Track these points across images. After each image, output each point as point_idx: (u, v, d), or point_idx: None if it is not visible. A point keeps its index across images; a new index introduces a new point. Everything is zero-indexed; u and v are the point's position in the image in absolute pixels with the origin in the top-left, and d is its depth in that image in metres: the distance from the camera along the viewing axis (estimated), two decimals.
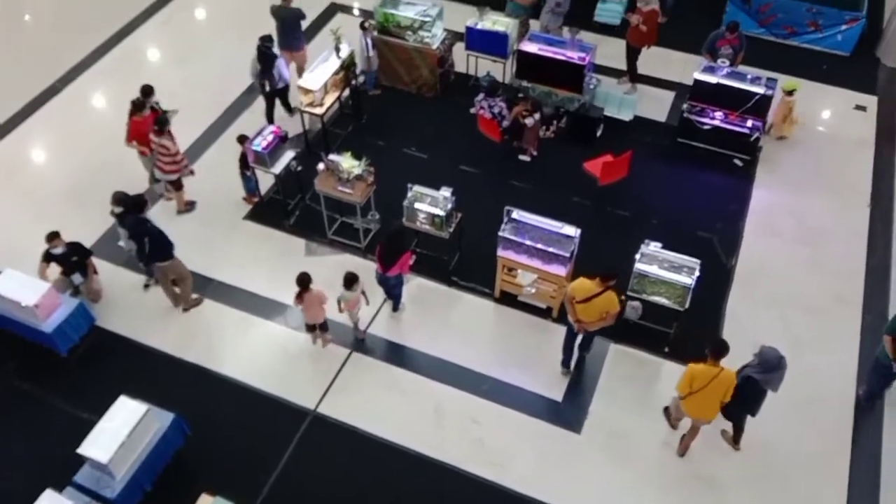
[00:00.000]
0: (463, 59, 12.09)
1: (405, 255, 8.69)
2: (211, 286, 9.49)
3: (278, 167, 9.79)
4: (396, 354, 8.93)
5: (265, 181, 10.34)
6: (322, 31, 12.95)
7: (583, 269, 8.42)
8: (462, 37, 11.82)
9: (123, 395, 7.55)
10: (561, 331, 8.49)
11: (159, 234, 8.65)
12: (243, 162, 9.92)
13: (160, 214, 9.83)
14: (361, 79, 11.59)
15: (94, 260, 9.18)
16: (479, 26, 11.54)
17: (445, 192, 9.12)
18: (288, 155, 9.90)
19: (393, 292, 9.03)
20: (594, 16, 13.10)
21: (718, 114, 10.83)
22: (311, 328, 8.74)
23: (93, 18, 13.50)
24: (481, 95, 11.01)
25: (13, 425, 8.31)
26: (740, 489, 7.81)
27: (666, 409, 8.24)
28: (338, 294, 8.46)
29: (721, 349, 7.13)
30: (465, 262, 9.71)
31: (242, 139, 9.78)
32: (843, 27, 12.59)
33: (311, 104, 10.68)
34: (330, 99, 10.85)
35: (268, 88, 10.91)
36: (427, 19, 11.40)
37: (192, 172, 10.28)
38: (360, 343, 8.98)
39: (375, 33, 11.58)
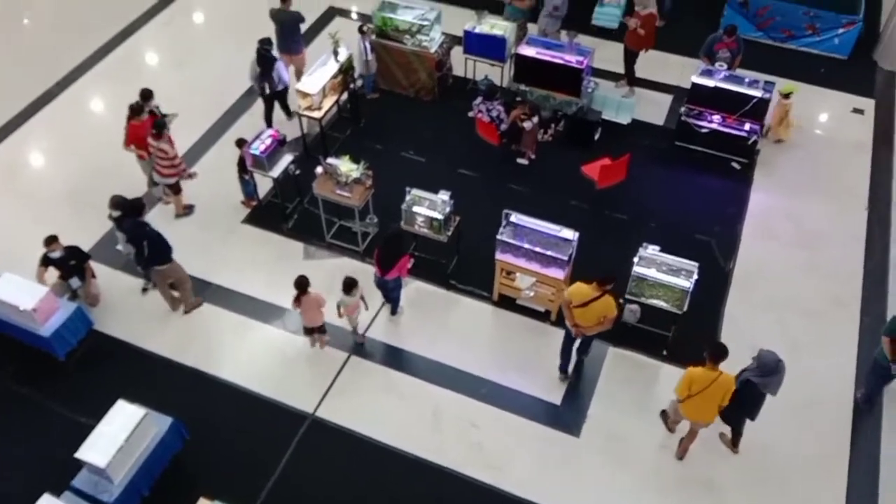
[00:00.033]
0: (461, 63, 12.11)
1: (403, 259, 8.68)
2: (209, 290, 9.49)
3: (277, 171, 9.79)
4: (395, 358, 8.92)
5: (263, 185, 10.34)
6: (320, 34, 12.96)
7: (581, 273, 8.43)
8: (460, 40, 11.83)
9: (121, 399, 7.55)
10: (559, 334, 8.49)
11: (158, 238, 8.65)
12: (242, 165, 9.92)
13: (158, 218, 9.83)
14: (360, 82, 11.60)
15: (93, 264, 9.17)
16: (477, 30, 11.55)
17: (444, 195, 9.13)
18: (286, 158, 9.91)
19: (391, 296, 9.03)
20: (592, 19, 13.13)
21: (716, 117, 10.85)
22: (309, 331, 8.74)
23: (92, 21, 13.50)
24: (479, 99, 11.02)
25: (11, 429, 8.30)
26: (739, 492, 7.81)
27: (663, 413, 8.24)
28: (336, 298, 8.46)
29: (720, 353, 7.13)
30: (464, 265, 9.72)
31: (241, 143, 9.79)
32: (841, 30, 12.62)
33: (309, 108, 10.69)
34: (328, 103, 10.86)
35: (267, 91, 10.92)
36: (425, 23, 11.42)
37: (190, 176, 10.30)
38: (358, 347, 8.98)
39: (374, 37, 11.60)
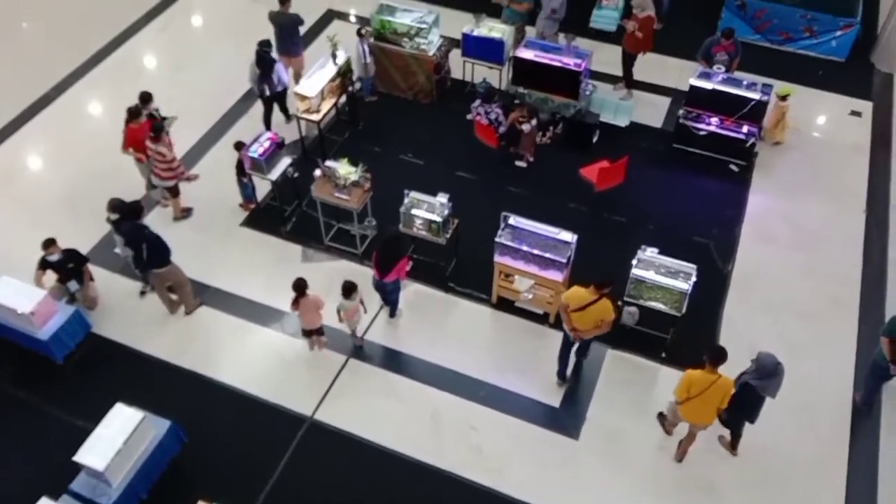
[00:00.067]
0: (459, 66, 12.11)
1: (402, 261, 8.68)
2: (207, 293, 9.48)
3: (275, 174, 9.79)
4: (393, 361, 8.91)
5: (262, 187, 10.33)
6: (319, 37, 12.96)
7: (579, 275, 8.43)
8: (458, 43, 11.84)
9: (119, 402, 7.53)
10: (558, 336, 8.48)
11: (157, 240, 8.64)
12: (240, 168, 9.92)
13: (156, 221, 9.81)
14: (358, 85, 11.60)
15: (91, 267, 9.16)
16: (475, 33, 11.57)
17: (442, 198, 9.13)
18: (284, 161, 9.91)
19: (390, 298, 9.02)
20: (590, 22, 13.16)
21: (714, 120, 10.86)
22: (307, 334, 8.73)
23: (89, 25, 13.49)
24: (478, 102, 11.02)
25: (9, 433, 8.28)
26: (738, 494, 7.80)
27: (660, 415, 8.24)
28: (334, 300, 8.45)
29: (719, 356, 7.12)
30: (462, 268, 9.71)
31: (239, 145, 9.78)
32: (838, 33, 12.65)
33: (307, 111, 10.69)
34: (326, 105, 10.86)
35: (267, 93, 10.92)
36: (423, 26, 11.43)
37: (189, 179, 10.31)
38: (357, 349, 8.97)
39: (372, 40, 11.61)
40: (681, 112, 11.02)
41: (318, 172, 9.60)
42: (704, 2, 13.57)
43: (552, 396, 8.55)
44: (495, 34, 11.54)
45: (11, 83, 12.36)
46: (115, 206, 8.84)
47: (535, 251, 8.65)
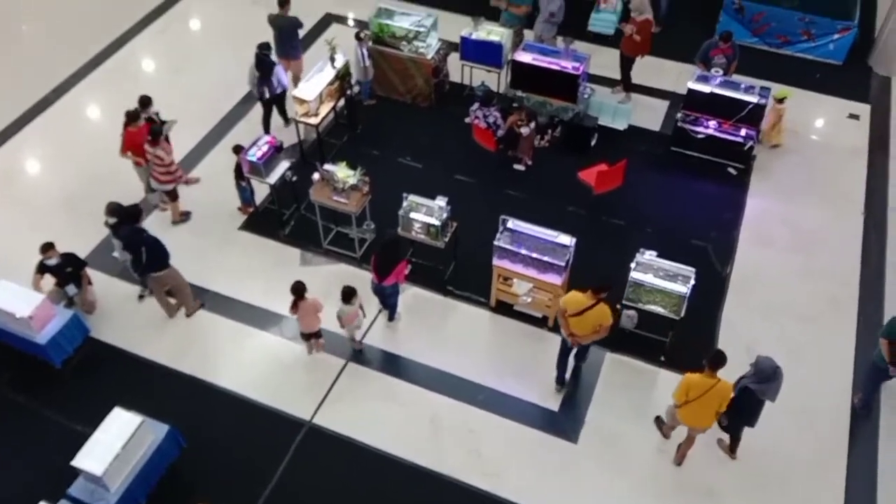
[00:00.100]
0: (458, 69, 12.12)
1: (401, 265, 8.68)
2: (206, 297, 9.46)
3: (273, 177, 9.79)
4: (392, 364, 8.91)
5: (260, 191, 10.33)
6: (317, 41, 12.96)
7: (578, 278, 8.44)
8: (457, 47, 11.85)
9: (118, 406, 7.52)
10: (557, 340, 8.47)
11: (155, 244, 8.64)
12: (238, 172, 9.92)
13: (154, 225, 9.81)
14: (356, 89, 11.61)
15: (89, 271, 9.15)
16: (473, 36, 11.58)
17: (441, 201, 9.13)
18: (283, 165, 9.91)
19: (389, 302, 9.02)
20: (588, 26, 13.18)
21: (712, 123, 10.87)
22: (306, 337, 8.72)
23: (88, 29, 13.50)
24: (476, 105, 11.03)
25: (7, 437, 8.26)
26: (737, 498, 7.80)
27: (657, 419, 8.24)
28: (332, 303, 8.44)
29: (719, 360, 7.12)
30: (461, 271, 9.71)
31: (238, 149, 9.78)
32: (836, 36, 12.67)
33: (306, 114, 10.70)
34: (325, 109, 10.87)
35: (267, 95, 10.92)
36: (422, 29, 11.44)
37: (188, 182, 10.30)
38: (356, 353, 8.96)
39: (370, 43, 11.61)
40: (679, 115, 11.04)
41: (316, 176, 9.60)
42: (702, 5, 13.60)
43: (551, 400, 8.55)
44: (494, 37, 11.55)
45: (11, 86, 12.36)
46: (113, 209, 8.83)
47: (534, 254, 8.65)
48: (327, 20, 13.72)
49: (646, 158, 11.09)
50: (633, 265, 8.46)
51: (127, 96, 10.22)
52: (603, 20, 13.13)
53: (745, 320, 9.23)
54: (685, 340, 8.74)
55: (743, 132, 10.77)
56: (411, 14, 11.71)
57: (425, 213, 9.08)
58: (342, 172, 9.46)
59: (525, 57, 11.05)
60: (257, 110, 11.31)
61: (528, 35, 12.35)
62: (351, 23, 13.70)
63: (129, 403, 7.60)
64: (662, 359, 8.85)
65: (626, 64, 11.80)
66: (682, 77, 11.70)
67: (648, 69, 12.07)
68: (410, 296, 9.49)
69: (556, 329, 8.84)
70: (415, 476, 7.94)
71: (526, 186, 10.77)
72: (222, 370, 8.79)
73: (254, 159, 9.52)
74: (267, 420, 8.36)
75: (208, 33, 13.82)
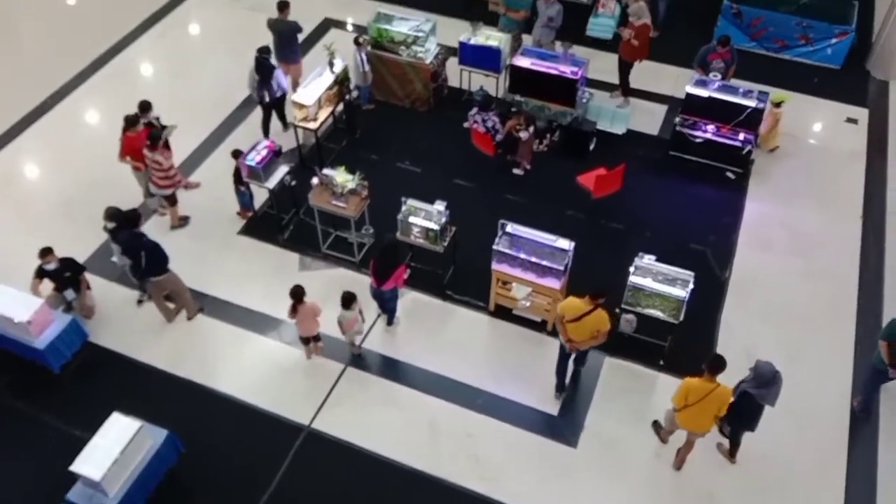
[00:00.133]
0: (456, 74, 12.14)
1: (400, 269, 8.68)
2: (205, 301, 9.46)
3: (272, 182, 9.79)
4: (391, 369, 8.90)
5: (259, 196, 10.33)
6: (316, 46, 13.00)
7: (577, 282, 8.44)
8: (455, 52, 11.88)
9: (116, 411, 7.51)
10: (556, 344, 8.45)
11: (155, 248, 8.63)
12: (237, 176, 9.92)
13: (153, 229, 9.81)
14: (355, 93, 11.63)
15: (87, 276, 9.15)
16: (472, 41, 11.60)
17: (439, 205, 9.14)
18: (282, 169, 9.91)
19: (388, 306, 9.02)
20: (586, 30, 13.20)
21: (710, 127, 10.88)
22: (305, 341, 8.71)
23: (86, 33, 13.52)
24: (475, 110, 11.06)
25: (5, 442, 8.24)
26: (737, 502, 7.78)
27: (655, 423, 8.23)
28: (332, 308, 8.43)
29: (718, 365, 7.10)
30: (460, 275, 9.71)
31: (236, 154, 9.78)
32: (834, 40, 12.70)
33: (305, 119, 10.71)
34: (324, 114, 10.88)
35: (267, 99, 10.94)
36: (420, 34, 11.46)
37: (187, 186, 10.30)
38: (354, 358, 8.95)
39: (369, 48, 11.63)
40: (677, 119, 11.05)
41: (315, 180, 9.61)
42: (700, 9, 13.64)
43: (550, 404, 8.53)
44: (492, 42, 11.57)
45: (10, 90, 12.37)
46: (112, 214, 8.83)
47: (533, 259, 8.65)
48: (326, 25, 13.74)
49: (644, 162, 11.10)
50: (631, 269, 8.46)
51: (126, 101, 10.23)
52: (601, 25, 13.15)
53: (744, 324, 9.23)
54: (684, 344, 8.73)
55: (741, 136, 10.78)
56: (410, 19, 11.73)
57: (424, 218, 9.09)
58: (341, 177, 9.46)
59: (523, 61, 11.07)
60: (256, 115, 11.33)
61: (527, 40, 12.36)
62: (350, 28, 13.73)
63: (128, 408, 7.59)
64: (661, 363, 8.84)
65: (625, 68, 11.82)
66: (680, 81, 11.71)
67: (647, 73, 12.09)
68: (409, 300, 9.49)
69: (554, 333, 8.83)
70: (413, 481, 7.93)
71: (524, 191, 10.78)
72: (221, 375, 8.78)
73: (253, 164, 9.53)
74: (266, 425, 8.35)
75: (207, 38, 13.84)
